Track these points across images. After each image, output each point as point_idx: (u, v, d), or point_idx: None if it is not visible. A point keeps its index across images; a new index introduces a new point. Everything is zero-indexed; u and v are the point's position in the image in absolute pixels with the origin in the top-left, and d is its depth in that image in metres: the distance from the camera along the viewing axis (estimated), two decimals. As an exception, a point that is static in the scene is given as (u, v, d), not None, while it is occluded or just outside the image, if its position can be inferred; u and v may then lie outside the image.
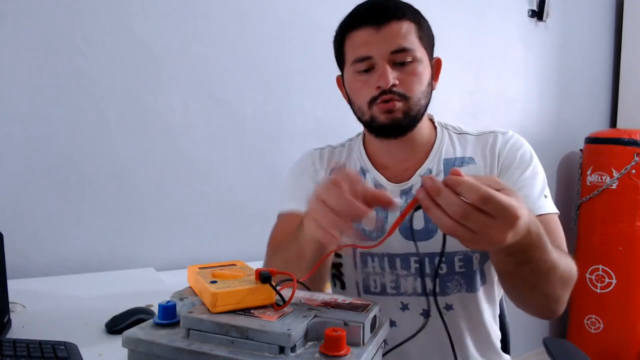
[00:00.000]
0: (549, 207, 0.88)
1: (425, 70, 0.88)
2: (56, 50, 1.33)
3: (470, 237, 0.56)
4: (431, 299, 0.89)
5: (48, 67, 1.32)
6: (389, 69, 0.85)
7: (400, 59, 0.85)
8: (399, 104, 0.86)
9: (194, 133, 1.55)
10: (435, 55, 0.94)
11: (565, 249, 0.85)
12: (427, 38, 0.90)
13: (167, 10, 1.48)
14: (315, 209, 0.64)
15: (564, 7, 2.57)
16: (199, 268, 0.62)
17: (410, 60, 0.86)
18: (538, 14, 2.44)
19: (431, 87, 0.92)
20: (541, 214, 0.86)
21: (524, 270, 0.69)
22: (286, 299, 0.54)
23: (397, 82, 0.85)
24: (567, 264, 0.75)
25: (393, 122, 0.88)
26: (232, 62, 1.60)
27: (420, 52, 0.87)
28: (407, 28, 0.86)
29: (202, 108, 1.56)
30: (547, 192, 0.90)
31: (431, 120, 1.00)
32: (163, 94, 1.49)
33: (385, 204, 0.63)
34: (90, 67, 1.38)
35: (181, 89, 1.52)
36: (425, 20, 0.91)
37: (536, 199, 0.87)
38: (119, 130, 1.43)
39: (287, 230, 0.96)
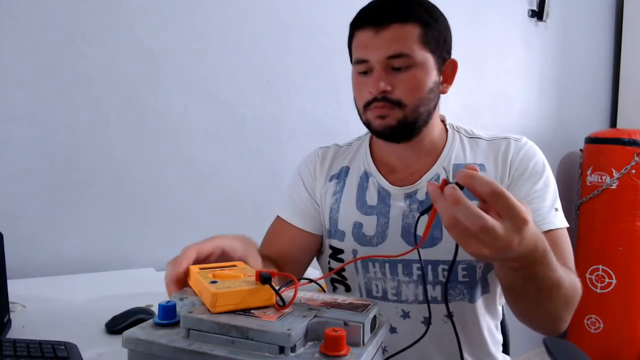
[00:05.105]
0: (559, 221, 0.85)
1: (425, 75, 0.85)
2: (56, 50, 1.33)
3: (474, 237, 0.54)
4: (434, 306, 0.88)
5: (48, 67, 1.32)
6: (382, 74, 0.83)
7: (397, 64, 0.83)
8: (392, 112, 0.85)
9: (194, 133, 1.55)
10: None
11: (573, 265, 0.83)
12: (435, 41, 0.86)
13: (167, 10, 1.48)
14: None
15: (564, 7, 2.57)
16: (200, 268, 0.62)
17: (407, 66, 0.83)
18: (538, 14, 2.44)
19: (437, 91, 0.89)
20: (551, 229, 0.83)
21: (529, 287, 0.67)
22: (287, 299, 0.54)
23: (390, 89, 0.84)
24: (571, 282, 0.73)
25: (386, 129, 0.86)
26: (232, 62, 1.60)
27: (422, 56, 0.84)
28: (409, 31, 0.83)
29: (202, 108, 1.56)
30: (558, 204, 0.87)
31: (443, 122, 0.98)
32: (163, 94, 1.49)
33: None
34: (90, 67, 1.38)
35: (181, 89, 1.52)
36: (437, 21, 0.87)
37: (546, 212, 0.85)
38: (119, 131, 1.43)
39: (277, 234, 1.01)
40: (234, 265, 0.65)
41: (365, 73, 0.87)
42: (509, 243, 0.54)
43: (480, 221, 0.52)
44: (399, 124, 0.86)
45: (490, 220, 0.53)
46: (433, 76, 0.87)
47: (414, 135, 0.90)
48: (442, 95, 0.96)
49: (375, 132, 0.90)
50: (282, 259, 0.95)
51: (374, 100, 0.85)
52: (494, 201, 0.54)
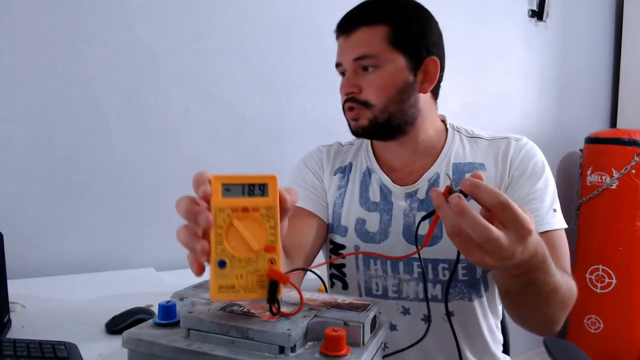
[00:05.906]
0: (558, 222, 0.85)
1: (394, 75, 0.86)
2: (56, 50, 1.33)
3: (478, 246, 0.54)
4: (434, 304, 0.88)
5: (48, 67, 1.32)
6: (351, 76, 0.88)
7: (365, 65, 0.86)
8: (362, 112, 0.87)
9: (194, 133, 1.55)
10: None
11: (568, 267, 0.83)
12: (407, 40, 0.85)
13: (167, 10, 1.48)
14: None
15: (564, 7, 2.57)
16: (224, 188, 0.53)
17: (374, 66, 0.86)
18: (538, 14, 2.44)
19: (411, 91, 0.87)
20: (549, 230, 0.83)
21: (527, 292, 0.67)
22: (289, 301, 0.54)
23: (355, 90, 0.87)
24: (568, 286, 0.73)
25: (358, 129, 0.89)
26: (232, 62, 1.60)
27: (390, 57, 0.85)
28: (375, 33, 0.85)
29: (202, 108, 1.56)
30: (557, 205, 0.87)
31: (443, 122, 0.98)
32: (163, 94, 1.49)
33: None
34: (90, 67, 1.38)
35: (181, 89, 1.52)
36: (410, 20, 0.86)
37: (545, 213, 0.84)
38: (118, 131, 1.43)
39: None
40: (264, 186, 0.51)
41: (343, 75, 0.91)
42: (512, 253, 0.54)
43: (485, 232, 0.52)
44: (369, 124, 0.88)
45: (495, 231, 0.53)
46: (404, 76, 0.87)
47: (398, 134, 0.90)
48: (441, 95, 0.96)
49: (352, 132, 0.92)
50: (289, 251, 0.90)
51: (345, 101, 0.89)
52: (500, 212, 0.54)
